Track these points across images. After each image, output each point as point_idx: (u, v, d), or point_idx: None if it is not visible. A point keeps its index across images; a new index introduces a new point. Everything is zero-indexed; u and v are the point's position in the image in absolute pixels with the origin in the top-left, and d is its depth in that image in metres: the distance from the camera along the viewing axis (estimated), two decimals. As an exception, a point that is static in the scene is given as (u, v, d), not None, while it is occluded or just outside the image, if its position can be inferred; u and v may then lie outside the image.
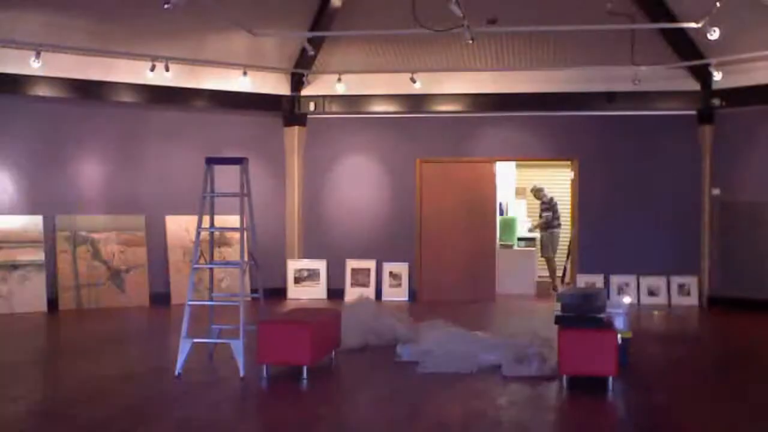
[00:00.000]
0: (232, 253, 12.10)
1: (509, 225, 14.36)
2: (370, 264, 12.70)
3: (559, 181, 16.13)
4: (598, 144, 12.41)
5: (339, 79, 12.27)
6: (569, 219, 13.45)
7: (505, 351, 7.38)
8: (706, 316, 11.26)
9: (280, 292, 12.49)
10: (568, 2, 11.07)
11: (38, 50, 10.30)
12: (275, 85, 12.65)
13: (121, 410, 5.89)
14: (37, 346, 9.07)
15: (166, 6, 8.31)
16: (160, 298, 11.79)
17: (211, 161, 7.50)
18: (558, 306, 6.93)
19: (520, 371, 6.99)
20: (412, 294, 12.63)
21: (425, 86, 12.28)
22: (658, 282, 12.20)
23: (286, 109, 12.76)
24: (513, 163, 15.15)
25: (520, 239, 14.48)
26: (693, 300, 12.04)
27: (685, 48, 11.51)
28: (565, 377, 6.55)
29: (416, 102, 12.66)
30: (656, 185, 12.14)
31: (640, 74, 11.59)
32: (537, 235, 14.33)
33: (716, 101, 11.78)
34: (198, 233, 7.45)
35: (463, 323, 8.53)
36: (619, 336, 6.61)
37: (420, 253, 12.71)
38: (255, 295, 7.88)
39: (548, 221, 13.97)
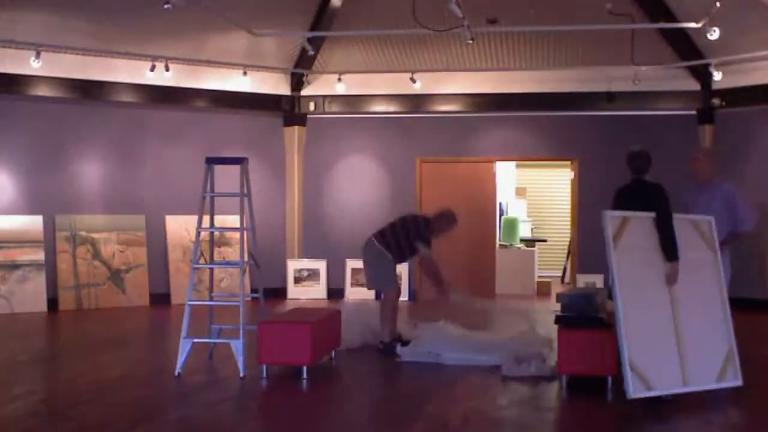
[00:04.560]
0: (232, 253, 12.10)
1: (512, 225, 14.37)
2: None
3: (559, 181, 16.17)
4: (598, 144, 12.41)
5: (339, 79, 12.28)
6: (569, 219, 13.43)
7: (505, 351, 7.39)
8: (706, 316, 11.25)
9: (280, 292, 12.50)
10: (568, 2, 11.07)
11: (38, 50, 10.31)
12: (275, 85, 12.65)
13: (121, 410, 5.89)
14: (37, 346, 9.07)
15: (166, 6, 8.32)
16: (160, 298, 11.80)
17: (211, 161, 7.50)
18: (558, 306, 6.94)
19: (520, 371, 7.00)
20: (412, 294, 12.63)
21: (425, 86, 12.29)
22: (658, 282, 12.17)
23: (286, 109, 12.76)
24: (513, 163, 15.17)
25: (521, 240, 14.49)
26: (693, 300, 12.02)
27: (685, 48, 11.51)
28: (565, 377, 6.55)
29: (416, 102, 12.66)
30: (656, 185, 12.14)
31: (640, 74, 11.59)
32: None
33: (716, 101, 11.78)
34: (198, 233, 7.45)
35: (463, 323, 8.53)
36: (619, 336, 6.60)
37: (420, 253, 12.68)
38: (255, 295, 7.88)
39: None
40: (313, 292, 12.70)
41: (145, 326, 10.45)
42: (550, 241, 15.90)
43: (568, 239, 13.92)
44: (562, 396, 6.42)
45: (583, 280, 12.29)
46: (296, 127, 12.80)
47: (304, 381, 6.79)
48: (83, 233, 11.51)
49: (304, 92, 12.78)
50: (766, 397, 6.57)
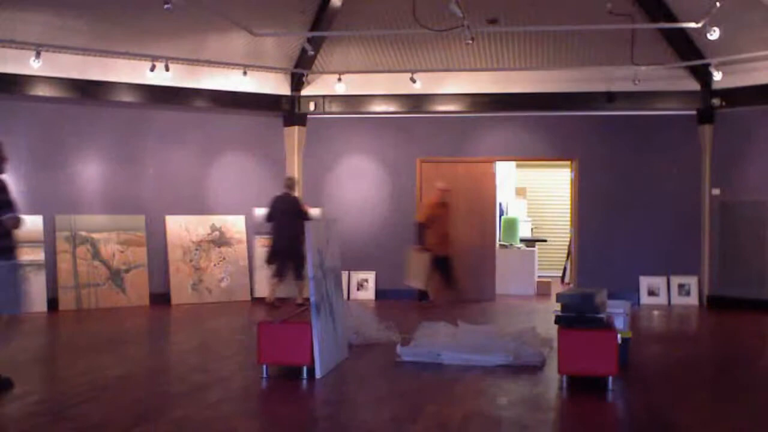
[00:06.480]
0: (232, 253, 12.11)
1: (512, 225, 14.37)
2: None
3: (559, 181, 16.16)
4: (598, 144, 12.41)
5: (339, 79, 12.28)
6: (569, 219, 13.43)
7: (505, 351, 7.42)
8: (706, 316, 11.26)
9: (280, 292, 12.48)
10: (568, 2, 11.07)
11: (38, 50, 10.31)
12: (275, 85, 12.65)
13: (121, 410, 5.89)
14: (37, 345, 9.06)
15: (166, 6, 8.33)
16: (160, 298, 11.79)
17: None
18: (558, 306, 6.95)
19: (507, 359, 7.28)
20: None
21: (425, 86, 12.29)
22: (658, 282, 12.20)
23: (286, 109, 12.76)
24: (513, 163, 15.17)
25: (521, 240, 14.49)
26: (693, 300, 12.04)
27: (685, 48, 11.51)
28: (565, 377, 6.56)
29: (416, 102, 12.66)
30: (656, 185, 12.15)
31: (640, 74, 11.59)
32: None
33: (716, 101, 11.78)
34: None
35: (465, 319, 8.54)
36: (619, 336, 6.61)
37: (420, 253, 12.69)
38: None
39: None
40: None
41: (145, 326, 10.45)
42: (550, 241, 15.91)
43: (568, 239, 13.91)
44: (562, 396, 6.42)
45: (583, 280, 12.30)
46: (296, 127, 12.80)
47: (304, 381, 6.79)
48: (83, 233, 11.50)
49: (304, 92, 12.78)
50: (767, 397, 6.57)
